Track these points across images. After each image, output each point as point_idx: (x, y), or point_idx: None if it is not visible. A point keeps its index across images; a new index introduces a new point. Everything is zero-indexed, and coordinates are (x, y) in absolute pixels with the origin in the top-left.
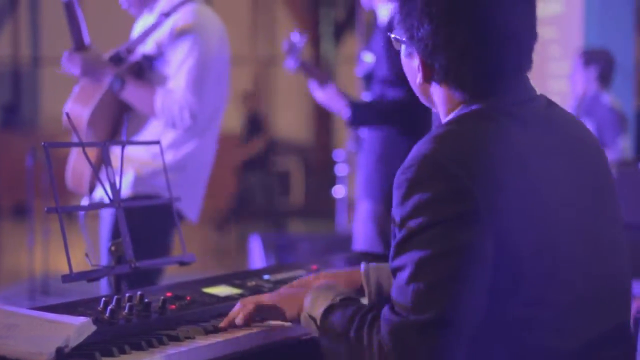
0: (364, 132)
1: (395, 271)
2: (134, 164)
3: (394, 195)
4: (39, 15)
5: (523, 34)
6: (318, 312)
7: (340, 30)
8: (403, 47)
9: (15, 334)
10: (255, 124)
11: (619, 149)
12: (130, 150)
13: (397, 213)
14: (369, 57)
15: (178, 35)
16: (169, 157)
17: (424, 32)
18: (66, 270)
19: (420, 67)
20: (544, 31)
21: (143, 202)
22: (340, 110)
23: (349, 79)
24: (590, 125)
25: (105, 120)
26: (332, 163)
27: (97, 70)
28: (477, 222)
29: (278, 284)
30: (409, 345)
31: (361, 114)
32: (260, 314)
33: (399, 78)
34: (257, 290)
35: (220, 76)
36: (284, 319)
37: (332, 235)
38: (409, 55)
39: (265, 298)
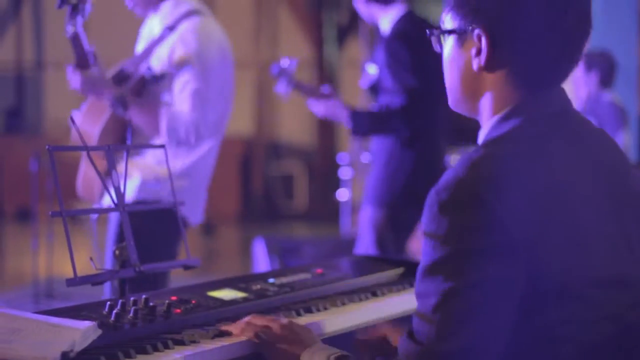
0: (372, 140)
1: (419, 296)
2: (139, 169)
3: (424, 213)
4: (43, 19)
5: (575, 54)
6: None
7: (344, 33)
8: (450, 39)
9: (20, 338)
10: None
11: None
12: (136, 155)
13: (428, 234)
14: (372, 69)
15: (179, 64)
16: (178, 164)
17: (495, 2)
18: (70, 274)
19: (484, 48)
20: None
21: (147, 206)
22: (343, 120)
23: (352, 83)
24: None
25: (115, 134)
26: (336, 167)
27: (97, 91)
28: (509, 254)
29: (283, 287)
30: None
31: (363, 123)
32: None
33: (401, 87)
34: (262, 294)
35: (223, 87)
36: None
37: (336, 239)
38: (460, 45)
39: (269, 335)
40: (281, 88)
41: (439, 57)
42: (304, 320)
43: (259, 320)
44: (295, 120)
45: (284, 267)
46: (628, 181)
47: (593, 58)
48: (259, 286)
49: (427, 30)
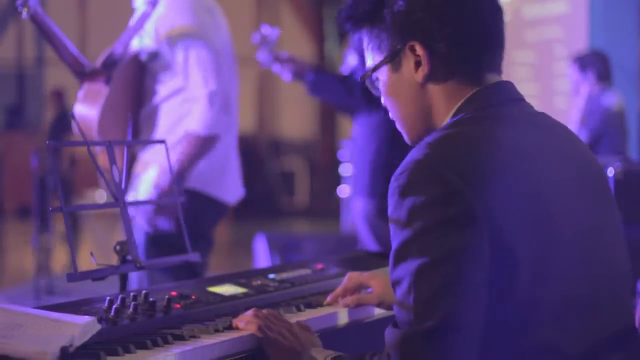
0: (356, 131)
1: (394, 285)
2: (157, 158)
3: (388, 202)
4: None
5: (500, 38)
6: None
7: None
8: (383, 73)
9: (19, 333)
10: (62, 123)
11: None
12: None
13: (392, 219)
14: (353, 58)
15: (175, 36)
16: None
17: (418, 10)
18: (70, 271)
19: (422, 55)
20: (548, 31)
21: (149, 201)
22: (304, 74)
23: None
24: (584, 133)
25: (115, 120)
26: (337, 163)
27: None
28: (472, 224)
29: (283, 282)
30: (418, 354)
31: (322, 80)
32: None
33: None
34: (262, 290)
35: (228, 60)
36: None
37: (337, 235)
38: (396, 69)
39: (271, 332)
40: (262, 57)
41: None
42: (304, 315)
43: (262, 315)
44: (296, 116)
45: (284, 263)
46: (589, 162)
47: (586, 58)
48: (259, 282)
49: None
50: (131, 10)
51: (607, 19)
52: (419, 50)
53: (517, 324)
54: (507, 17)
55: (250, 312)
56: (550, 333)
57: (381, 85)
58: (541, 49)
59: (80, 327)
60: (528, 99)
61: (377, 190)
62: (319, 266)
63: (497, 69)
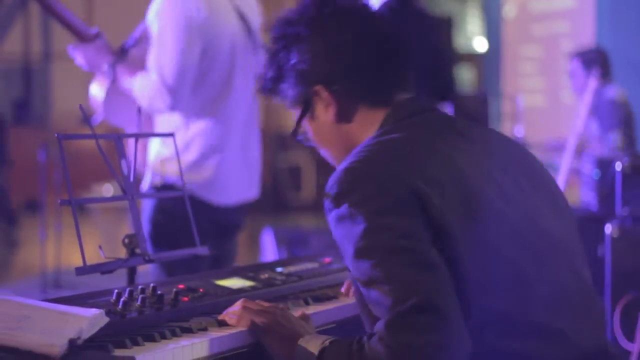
0: None
1: (366, 286)
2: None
3: (328, 218)
4: None
5: (401, 58)
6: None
7: None
8: (305, 123)
9: (27, 325)
10: None
11: (608, 144)
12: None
13: (337, 233)
14: None
15: (153, 17)
16: (177, 141)
17: (310, 57)
18: (78, 264)
19: (329, 100)
20: (555, 25)
21: (157, 193)
22: None
23: None
24: (594, 121)
25: (124, 108)
26: None
27: (98, 63)
28: (408, 209)
29: (291, 276)
30: (411, 328)
31: None
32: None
33: None
34: (269, 283)
35: (218, 46)
36: (269, 349)
37: None
38: (312, 116)
39: (263, 321)
40: None
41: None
42: (311, 309)
43: (253, 307)
44: None
45: (292, 257)
46: (507, 149)
47: (589, 56)
48: (266, 275)
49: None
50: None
51: (613, 13)
52: (323, 92)
53: (468, 297)
54: (514, 12)
55: (238, 306)
56: (500, 302)
57: (310, 137)
58: (548, 43)
59: (88, 319)
60: (534, 94)
61: None
62: (327, 260)
63: (405, 86)
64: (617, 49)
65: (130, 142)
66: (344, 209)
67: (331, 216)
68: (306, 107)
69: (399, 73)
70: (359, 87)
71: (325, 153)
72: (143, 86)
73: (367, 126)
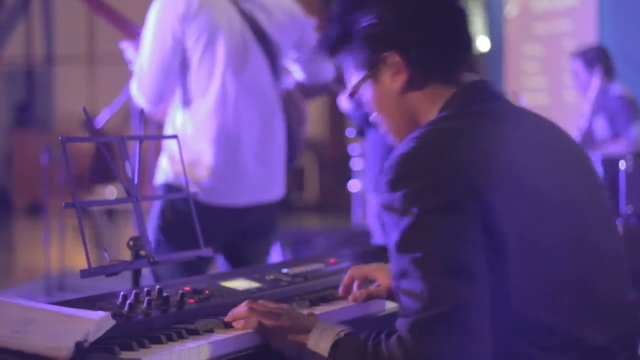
0: (370, 124)
1: (399, 278)
2: (166, 149)
3: (380, 196)
4: (52, 13)
5: (468, 38)
6: (325, 347)
7: None
8: (366, 87)
9: (34, 328)
10: None
11: (632, 138)
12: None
13: (387, 216)
14: None
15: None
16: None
17: (388, 20)
18: (81, 267)
19: (400, 68)
20: (557, 24)
21: (162, 195)
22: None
23: None
24: (602, 119)
25: None
26: (347, 158)
27: None
28: (462, 209)
29: (296, 277)
30: (433, 338)
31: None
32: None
33: None
34: (275, 284)
35: (211, 38)
36: (279, 349)
37: (348, 230)
38: (376, 82)
39: (271, 322)
40: None
41: None
42: (318, 309)
43: (259, 309)
44: None
45: (297, 258)
46: (578, 155)
47: (591, 54)
48: (272, 276)
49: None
50: (139, 4)
51: (616, 12)
52: (395, 59)
53: (510, 305)
54: (516, 11)
55: (243, 308)
56: (542, 312)
57: (366, 102)
58: (550, 42)
59: (95, 322)
60: (537, 93)
61: None
62: (332, 260)
63: (469, 66)
64: (620, 47)
65: (134, 144)
66: (397, 197)
67: (384, 199)
68: (371, 71)
69: (469, 50)
70: (436, 58)
71: (380, 120)
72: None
73: (431, 102)
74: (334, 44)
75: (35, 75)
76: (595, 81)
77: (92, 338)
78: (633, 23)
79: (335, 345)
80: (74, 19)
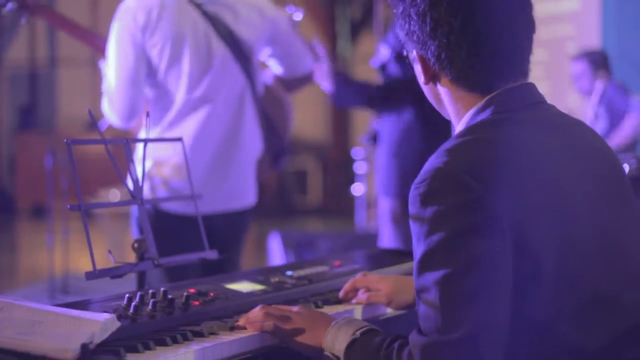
0: (379, 127)
1: (419, 293)
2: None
3: (409, 208)
4: None
5: (524, 38)
6: (340, 349)
7: (357, 28)
8: (411, 55)
9: (40, 330)
10: None
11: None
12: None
13: (414, 229)
14: (385, 51)
15: None
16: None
17: (413, 24)
18: (85, 270)
19: (425, 67)
20: (560, 28)
21: (166, 198)
22: (327, 88)
23: (366, 77)
24: (606, 117)
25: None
26: (349, 161)
27: None
28: (494, 230)
29: (301, 279)
30: None
31: (343, 93)
32: (277, 337)
33: (399, 56)
34: (279, 287)
35: (179, 45)
36: (300, 351)
37: (351, 233)
38: (414, 60)
39: (288, 325)
40: None
41: None
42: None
43: (274, 313)
44: (309, 115)
45: (301, 260)
46: (611, 166)
47: (596, 56)
48: (277, 278)
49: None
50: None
51: (619, 16)
52: (422, 58)
53: (538, 323)
54: None
55: (258, 313)
56: (570, 330)
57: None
58: (554, 47)
59: (101, 324)
60: None
61: (405, 191)
62: (336, 263)
63: (516, 73)
64: (623, 51)
65: (139, 146)
66: (428, 212)
67: (413, 211)
68: (417, 67)
69: (518, 58)
70: (458, 72)
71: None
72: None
73: (459, 103)
74: (400, 38)
75: (38, 78)
76: (599, 84)
77: (97, 340)
78: (636, 27)
79: (351, 345)
80: (77, 22)
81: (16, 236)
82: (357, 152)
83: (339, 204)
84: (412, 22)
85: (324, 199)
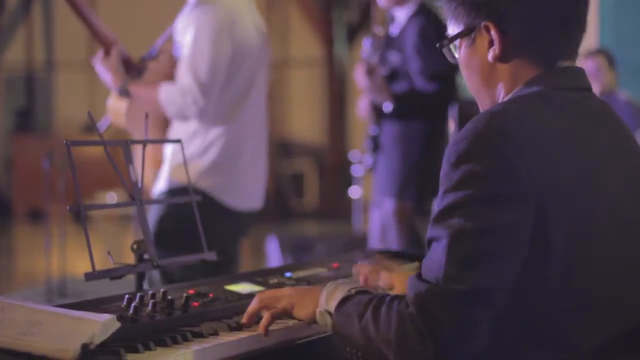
0: (377, 132)
1: (430, 241)
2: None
3: (443, 164)
4: (52, 19)
5: (578, 22)
6: (333, 305)
7: (354, 32)
8: (461, 44)
9: (40, 330)
10: None
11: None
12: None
13: (443, 182)
14: (395, 57)
15: (184, 28)
16: (196, 144)
17: None
18: (82, 272)
19: (495, 37)
20: None
21: (165, 200)
22: (384, 101)
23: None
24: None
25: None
26: (346, 165)
27: (105, 77)
28: (521, 203)
29: (300, 281)
30: (435, 313)
31: (405, 106)
32: (278, 318)
33: (434, 72)
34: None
35: (243, 58)
36: (301, 319)
37: (348, 236)
38: (471, 44)
39: (281, 303)
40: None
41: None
42: None
43: (270, 303)
44: (306, 118)
45: (300, 262)
46: (635, 157)
47: (609, 54)
48: (275, 280)
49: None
50: (139, 12)
51: (616, 17)
52: (493, 31)
53: (538, 313)
54: None
55: (255, 306)
56: (568, 326)
57: (459, 57)
58: None
59: (101, 324)
60: None
61: (409, 192)
62: (335, 265)
63: (570, 53)
64: (619, 52)
65: (138, 148)
66: (461, 169)
67: (447, 164)
68: (468, 33)
69: (575, 36)
70: (532, 38)
71: (465, 77)
72: (171, 94)
73: (516, 77)
74: None
75: (35, 81)
76: (605, 82)
77: (97, 340)
78: (633, 29)
79: (344, 300)
80: (74, 25)
81: (13, 239)
82: (355, 155)
83: (335, 207)
84: None
85: (321, 202)
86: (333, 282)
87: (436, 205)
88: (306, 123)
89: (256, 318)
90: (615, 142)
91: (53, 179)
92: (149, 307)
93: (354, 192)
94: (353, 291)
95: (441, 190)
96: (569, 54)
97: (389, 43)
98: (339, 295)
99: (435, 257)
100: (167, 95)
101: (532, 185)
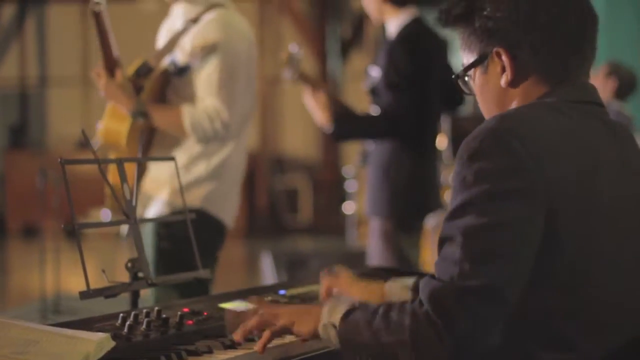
0: (370, 147)
1: (443, 240)
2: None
3: (455, 163)
4: (46, 36)
5: (589, 40)
6: (337, 317)
7: (347, 46)
8: (475, 72)
9: (36, 349)
10: None
11: None
12: (160, 166)
13: (454, 181)
14: (375, 71)
15: (205, 50)
16: (202, 166)
17: (503, 17)
18: (77, 290)
19: (506, 62)
20: None
21: (160, 218)
22: (324, 122)
23: (356, 96)
24: None
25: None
26: (340, 180)
27: (118, 100)
28: (532, 200)
29: (293, 298)
30: (451, 309)
31: (343, 129)
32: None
33: (390, 92)
34: None
35: (249, 81)
36: (302, 336)
37: (342, 252)
38: (485, 72)
39: (281, 320)
40: (288, 75)
41: (439, 67)
42: None
43: (269, 319)
44: (300, 134)
45: (294, 279)
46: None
47: (617, 67)
48: (269, 298)
49: (431, 40)
50: (133, 26)
51: (607, 24)
52: (504, 56)
53: (544, 314)
54: None
55: (254, 323)
56: (572, 327)
57: (473, 86)
58: None
59: (96, 343)
60: None
61: (395, 211)
62: None
63: (582, 71)
64: (612, 60)
65: (132, 166)
66: (474, 167)
67: (459, 163)
68: (481, 60)
69: (586, 57)
70: (543, 60)
71: (481, 105)
72: (197, 119)
73: (528, 98)
74: (456, 18)
75: (29, 97)
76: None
77: (92, 359)
78: (624, 36)
79: (349, 311)
80: (68, 41)
81: (7, 256)
82: (348, 170)
83: (329, 222)
84: (498, 18)
85: (315, 218)
86: (334, 298)
87: (450, 204)
88: (300, 139)
89: (249, 335)
90: (625, 158)
91: (47, 195)
92: (144, 326)
93: (348, 207)
94: (357, 304)
95: (454, 188)
96: (580, 72)
97: (374, 58)
98: (343, 308)
99: (449, 255)
100: (193, 120)
101: (542, 183)
